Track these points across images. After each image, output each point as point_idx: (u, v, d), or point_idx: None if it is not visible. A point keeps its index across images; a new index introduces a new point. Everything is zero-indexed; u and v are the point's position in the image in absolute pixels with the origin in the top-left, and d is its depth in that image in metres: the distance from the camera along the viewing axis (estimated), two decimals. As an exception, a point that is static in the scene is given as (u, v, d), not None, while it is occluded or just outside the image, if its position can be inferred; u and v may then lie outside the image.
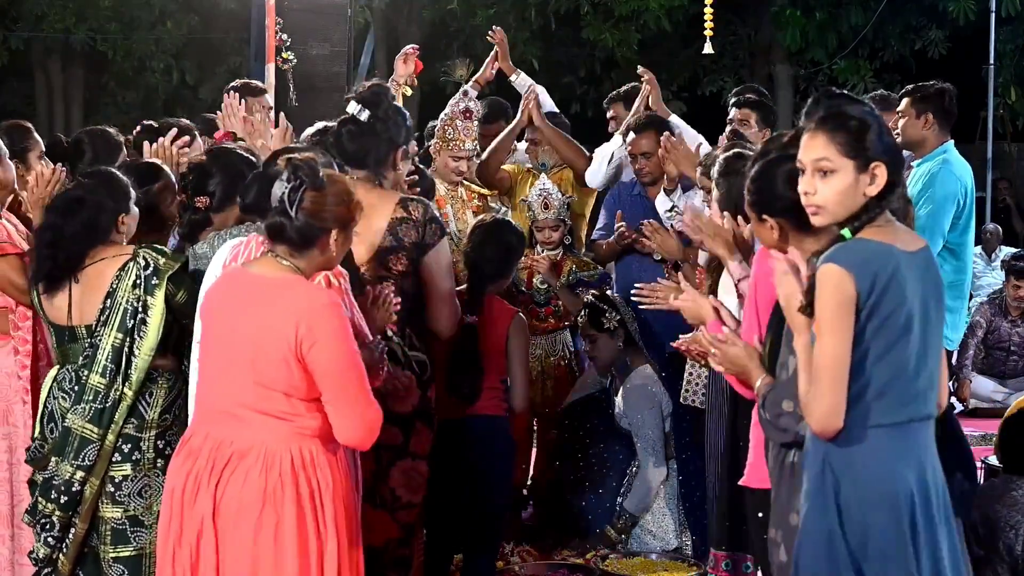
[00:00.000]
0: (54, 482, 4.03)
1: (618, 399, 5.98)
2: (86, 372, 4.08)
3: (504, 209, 6.27)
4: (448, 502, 4.75)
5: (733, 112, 6.14)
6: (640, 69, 6.65)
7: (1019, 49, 15.43)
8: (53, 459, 4.07)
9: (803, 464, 3.14)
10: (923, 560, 3.03)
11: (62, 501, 4.02)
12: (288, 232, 3.34)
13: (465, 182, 6.10)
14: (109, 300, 4.05)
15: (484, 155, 6.43)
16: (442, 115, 6.00)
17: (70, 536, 4.04)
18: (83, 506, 4.01)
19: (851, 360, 2.98)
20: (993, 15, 13.50)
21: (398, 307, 3.83)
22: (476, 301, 4.80)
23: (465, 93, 5.99)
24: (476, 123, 5.94)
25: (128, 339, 4.04)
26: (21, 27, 16.90)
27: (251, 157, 4.39)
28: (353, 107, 4.26)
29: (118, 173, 4.32)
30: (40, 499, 4.07)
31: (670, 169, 5.86)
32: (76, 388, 4.10)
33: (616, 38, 15.15)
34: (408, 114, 4.42)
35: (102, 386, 4.03)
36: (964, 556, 3.40)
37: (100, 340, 4.05)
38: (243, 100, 6.11)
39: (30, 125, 5.49)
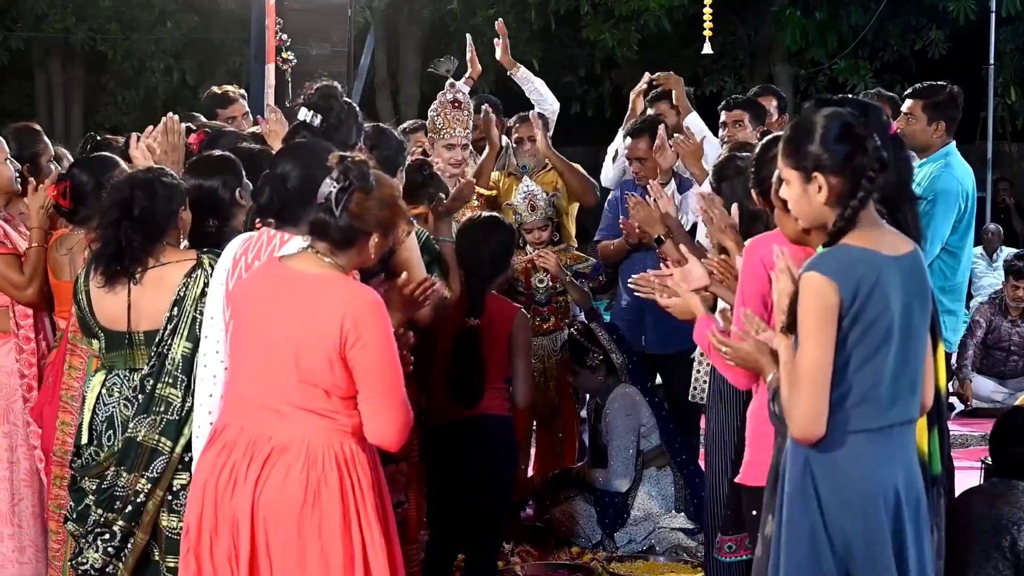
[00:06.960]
0: (116, 492, 3.83)
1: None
2: (152, 381, 3.87)
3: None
4: (452, 501, 4.75)
5: (724, 116, 6.04)
6: (658, 75, 6.56)
7: (1019, 49, 15.44)
8: (112, 468, 3.86)
9: (784, 467, 3.14)
10: (908, 562, 3.04)
11: (127, 511, 3.82)
12: (331, 231, 3.33)
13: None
14: (177, 308, 3.85)
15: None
16: (431, 108, 6.00)
17: (129, 546, 3.84)
18: (146, 517, 3.81)
19: (833, 366, 2.98)
20: (993, 15, 13.50)
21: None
22: (477, 304, 4.78)
23: (452, 85, 5.99)
24: (467, 113, 5.92)
25: (197, 349, 3.78)
26: (21, 27, 16.90)
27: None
28: (304, 113, 4.15)
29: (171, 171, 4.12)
30: (96, 509, 3.85)
31: (662, 162, 5.89)
32: (140, 397, 3.88)
33: (616, 38, 15.15)
34: (360, 113, 4.29)
35: (176, 398, 3.83)
36: (940, 557, 3.40)
37: (169, 350, 3.85)
38: (216, 111, 6.17)
39: (39, 128, 5.35)
